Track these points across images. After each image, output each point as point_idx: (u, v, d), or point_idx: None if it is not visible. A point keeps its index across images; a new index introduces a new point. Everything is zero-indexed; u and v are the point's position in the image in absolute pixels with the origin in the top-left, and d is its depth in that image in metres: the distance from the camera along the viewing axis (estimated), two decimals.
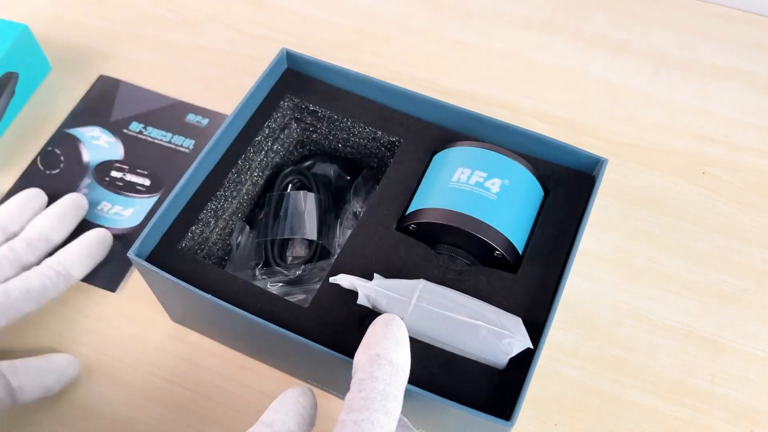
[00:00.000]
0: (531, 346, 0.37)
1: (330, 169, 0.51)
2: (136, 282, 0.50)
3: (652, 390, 0.46)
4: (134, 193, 0.55)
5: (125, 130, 0.58)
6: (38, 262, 0.47)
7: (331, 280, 0.40)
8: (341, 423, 0.29)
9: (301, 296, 0.45)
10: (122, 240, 0.52)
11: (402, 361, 0.31)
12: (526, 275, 0.40)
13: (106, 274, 0.50)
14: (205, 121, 0.59)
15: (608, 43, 0.65)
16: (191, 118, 0.59)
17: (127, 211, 0.54)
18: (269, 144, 0.49)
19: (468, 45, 0.65)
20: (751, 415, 0.45)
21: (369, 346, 0.31)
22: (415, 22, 0.67)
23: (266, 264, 0.46)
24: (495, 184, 0.40)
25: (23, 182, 0.55)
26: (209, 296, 0.38)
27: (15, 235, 0.49)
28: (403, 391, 0.31)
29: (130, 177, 0.56)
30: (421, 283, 0.38)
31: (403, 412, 0.32)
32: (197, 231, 0.44)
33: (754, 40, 0.65)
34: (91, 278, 0.50)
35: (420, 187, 0.43)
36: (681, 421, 0.45)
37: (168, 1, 0.69)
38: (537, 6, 0.68)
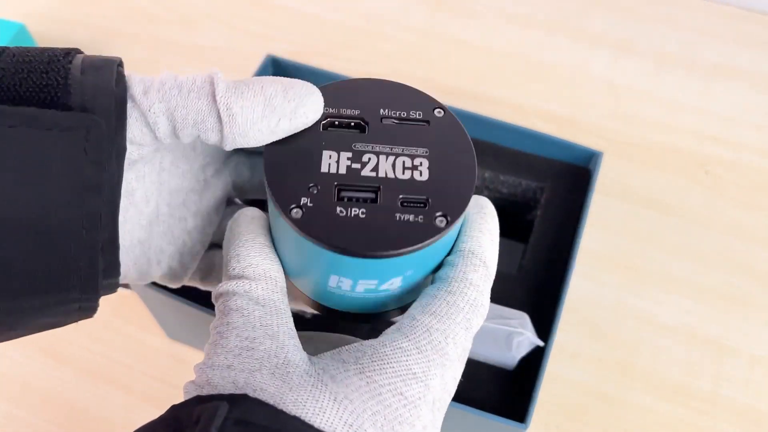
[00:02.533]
0: (541, 344, 0.36)
1: None
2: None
3: (656, 392, 0.45)
4: None
5: None
6: None
7: None
8: (411, 321, 0.22)
9: None
10: None
11: (494, 264, 0.24)
12: (528, 274, 0.40)
13: None
14: None
15: (610, 42, 0.65)
16: None
17: None
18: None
19: (469, 44, 0.64)
20: (755, 418, 0.45)
21: (461, 238, 0.24)
22: (416, 20, 0.66)
23: None
24: (393, 284, 0.23)
25: None
26: (208, 310, 0.37)
27: None
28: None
29: None
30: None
31: None
32: None
33: (757, 38, 0.65)
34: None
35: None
36: (685, 423, 0.44)
37: None
38: (539, 4, 0.68)
